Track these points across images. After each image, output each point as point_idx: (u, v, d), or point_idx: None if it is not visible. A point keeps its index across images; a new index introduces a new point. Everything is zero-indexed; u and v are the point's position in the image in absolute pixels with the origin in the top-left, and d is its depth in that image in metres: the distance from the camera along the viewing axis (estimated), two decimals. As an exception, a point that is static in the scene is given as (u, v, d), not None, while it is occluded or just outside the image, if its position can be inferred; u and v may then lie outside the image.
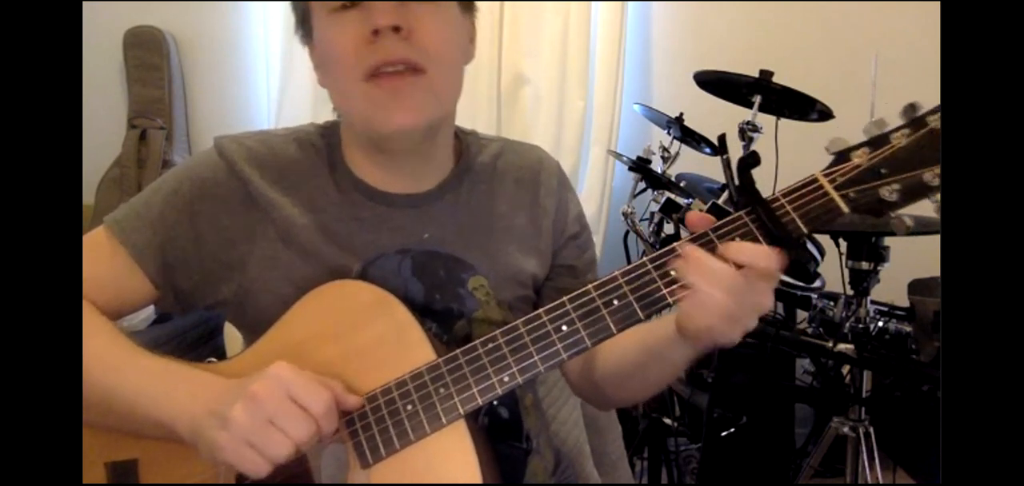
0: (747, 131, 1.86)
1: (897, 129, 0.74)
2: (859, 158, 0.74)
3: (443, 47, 0.86)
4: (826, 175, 0.75)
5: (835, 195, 0.74)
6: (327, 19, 0.85)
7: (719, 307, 0.72)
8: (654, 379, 0.92)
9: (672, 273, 0.75)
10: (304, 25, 0.91)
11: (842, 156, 0.75)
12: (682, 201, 1.93)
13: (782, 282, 1.89)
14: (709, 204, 1.85)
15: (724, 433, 1.98)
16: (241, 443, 0.72)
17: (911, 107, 0.74)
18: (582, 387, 1.02)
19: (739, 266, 0.72)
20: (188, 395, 0.78)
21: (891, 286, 1.72)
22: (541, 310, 0.78)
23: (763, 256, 0.72)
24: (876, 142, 0.74)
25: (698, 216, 0.76)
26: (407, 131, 0.86)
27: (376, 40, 0.82)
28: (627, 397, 1.00)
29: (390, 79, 0.83)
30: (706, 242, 0.75)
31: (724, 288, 0.72)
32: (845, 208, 0.74)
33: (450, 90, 0.89)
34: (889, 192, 0.73)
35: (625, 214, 2.11)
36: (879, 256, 1.66)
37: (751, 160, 0.76)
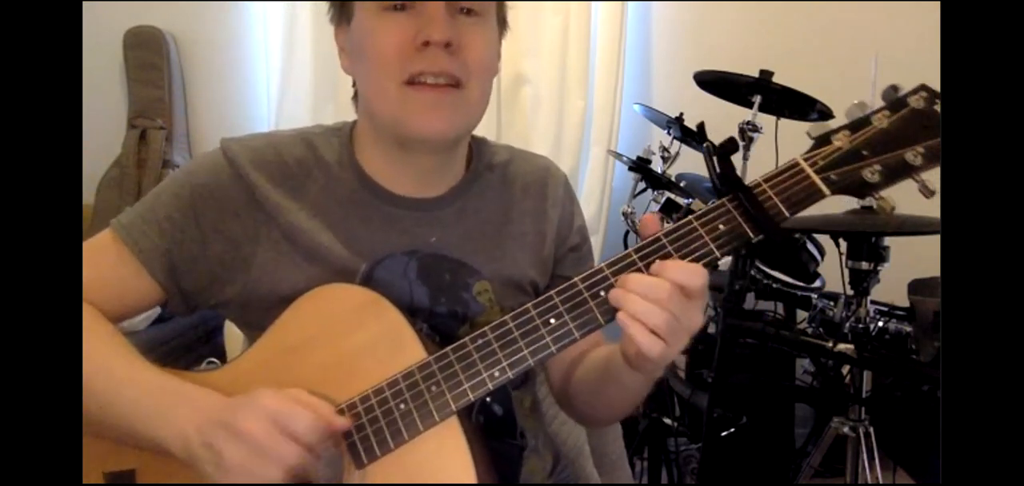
0: (747, 131, 1.86)
1: (878, 111, 0.75)
2: (840, 140, 0.75)
3: (483, 64, 0.88)
4: (807, 159, 0.76)
5: (816, 178, 0.74)
6: (374, 15, 0.86)
7: (660, 324, 0.73)
8: (612, 401, 0.94)
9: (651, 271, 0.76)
10: (342, 9, 0.92)
11: (823, 140, 0.76)
12: (682, 201, 1.93)
13: (782, 282, 1.90)
14: (709, 204, 1.85)
15: (724, 433, 1.97)
16: (232, 476, 0.73)
17: (892, 89, 0.75)
18: (560, 397, 1.04)
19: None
20: (182, 417, 0.77)
21: (891, 286, 1.72)
22: (529, 304, 0.79)
23: (695, 274, 0.73)
24: (857, 125, 0.75)
25: (651, 219, 0.78)
26: (437, 139, 0.88)
27: (424, 50, 0.83)
28: (595, 416, 1.03)
29: (429, 89, 0.84)
30: (689, 235, 0.76)
31: (662, 304, 0.73)
32: (826, 191, 0.74)
33: (482, 104, 0.91)
34: (871, 173, 0.73)
35: (625, 214, 2.12)
36: (879, 256, 1.66)
37: (729, 146, 0.77)
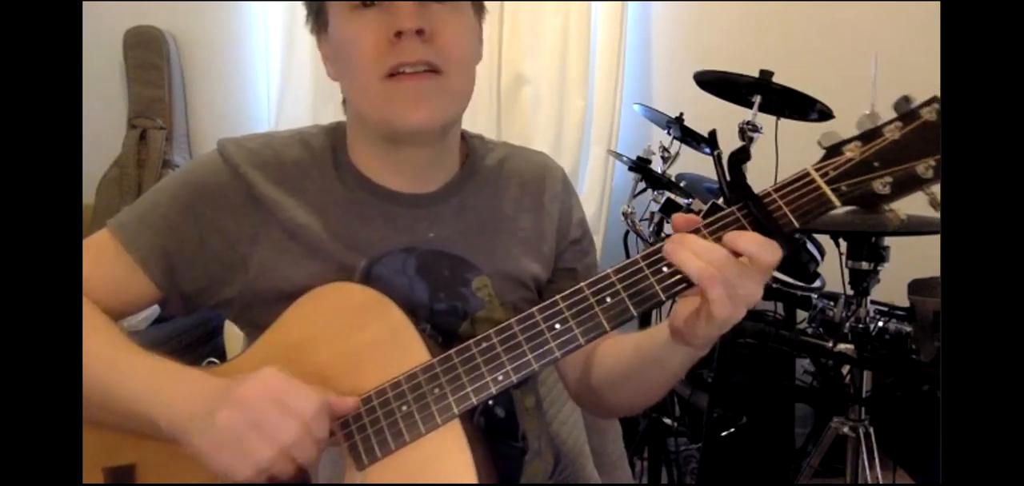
0: (747, 131, 1.85)
1: (890, 122, 0.74)
2: (851, 152, 0.74)
3: (461, 50, 0.88)
4: (818, 169, 0.75)
5: (827, 189, 0.74)
6: (346, 16, 0.86)
7: (713, 287, 0.71)
8: (649, 385, 0.92)
9: (665, 270, 0.75)
10: (318, 18, 0.92)
11: (834, 150, 0.75)
12: (682, 201, 1.94)
13: (782, 282, 1.89)
14: (709, 204, 1.85)
15: (724, 433, 1.98)
16: (223, 447, 0.72)
17: (904, 100, 0.74)
18: (580, 394, 1.03)
19: (738, 255, 0.72)
20: (180, 396, 0.77)
21: (891, 286, 1.72)
22: (535, 308, 0.78)
23: (765, 247, 0.72)
24: (869, 135, 0.75)
25: (684, 218, 0.77)
26: (423, 129, 0.87)
27: (398, 42, 0.83)
28: (623, 403, 1.00)
29: (410, 78, 0.84)
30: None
31: (716, 266, 0.71)
32: (837, 202, 0.74)
33: (465, 90, 0.90)
34: (882, 185, 0.73)
35: (625, 214, 2.12)
36: (879, 256, 1.66)
37: (741, 155, 0.77)
